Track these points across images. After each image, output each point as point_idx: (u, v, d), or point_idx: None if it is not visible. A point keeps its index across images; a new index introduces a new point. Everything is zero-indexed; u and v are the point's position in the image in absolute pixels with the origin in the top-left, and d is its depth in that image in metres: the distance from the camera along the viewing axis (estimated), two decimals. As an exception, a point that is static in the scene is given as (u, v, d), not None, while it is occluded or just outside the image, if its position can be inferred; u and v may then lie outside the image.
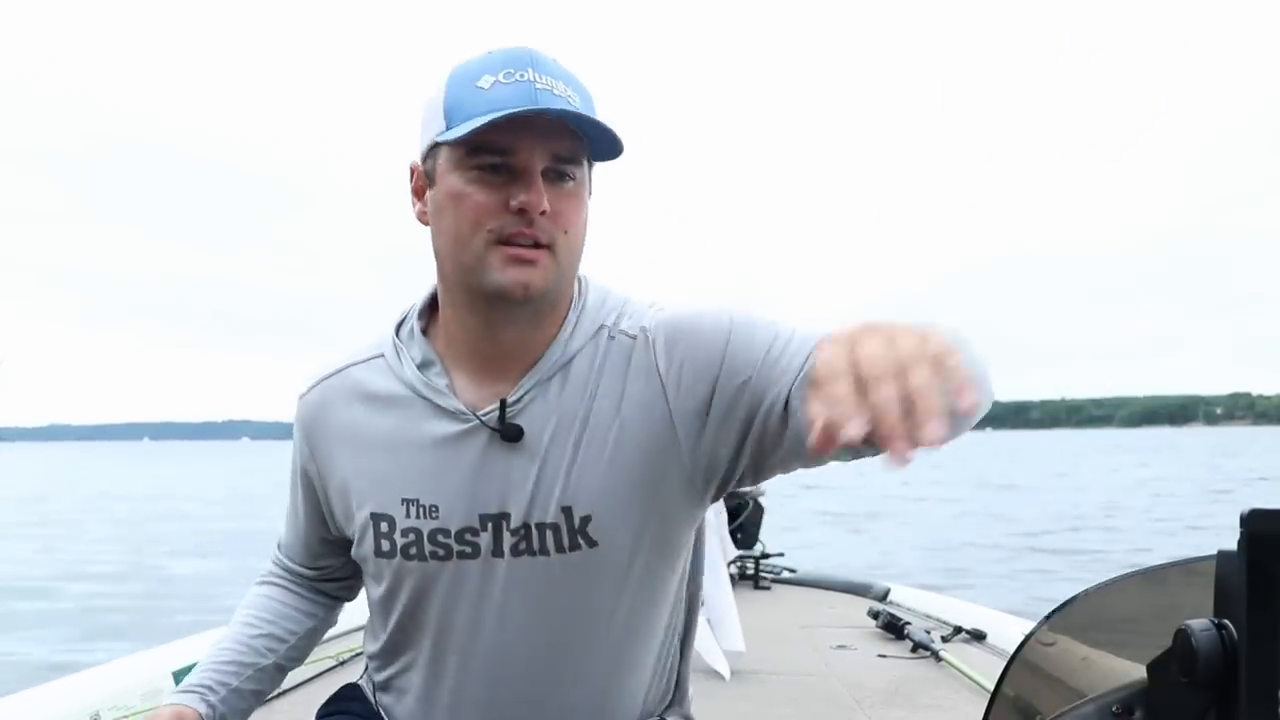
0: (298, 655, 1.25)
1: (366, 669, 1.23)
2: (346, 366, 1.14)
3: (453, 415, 1.05)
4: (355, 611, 1.32)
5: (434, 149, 1.01)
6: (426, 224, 1.05)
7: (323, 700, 1.24)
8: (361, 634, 1.27)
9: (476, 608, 1.05)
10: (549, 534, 1.03)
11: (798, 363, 0.97)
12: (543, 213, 0.96)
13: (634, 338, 1.05)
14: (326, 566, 1.24)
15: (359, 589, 1.27)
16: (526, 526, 1.03)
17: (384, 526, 1.07)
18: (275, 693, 2.79)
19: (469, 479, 1.04)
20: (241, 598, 1.28)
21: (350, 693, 1.22)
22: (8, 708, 2.30)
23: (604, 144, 1.00)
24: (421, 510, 1.05)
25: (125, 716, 2.49)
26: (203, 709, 1.11)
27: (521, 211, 0.96)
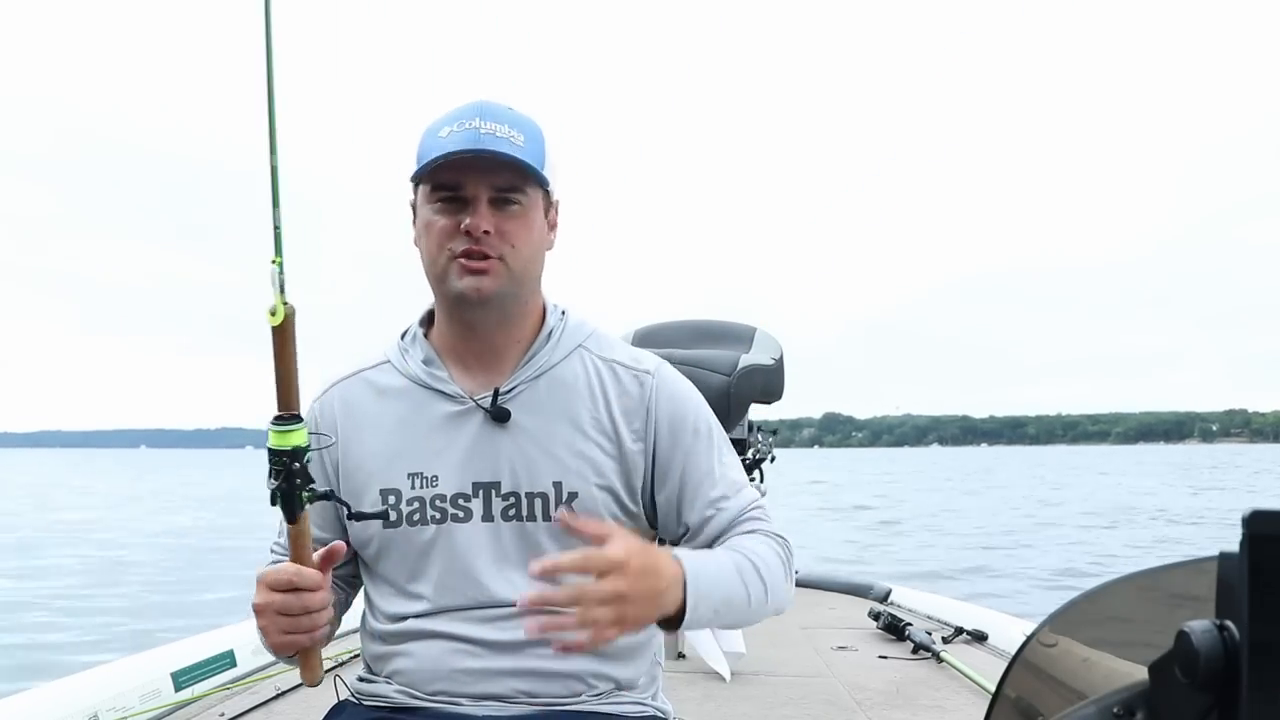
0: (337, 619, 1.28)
1: (361, 653, 1.28)
2: (358, 372, 1.30)
3: (451, 398, 1.23)
4: (350, 616, 1.32)
5: (415, 187, 1.22)
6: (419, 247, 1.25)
7: (320, 701, 1.26)
8: (355, 638, 1.28)
9: (469, 565, 1.19)
10: (538, 502, 1.20)
11: (699, 505, 1.23)
12: (486, 232, 1.16)
13: (637, 375, 1.25)
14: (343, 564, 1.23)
15: (359, 587, 1.33)
16: (516, 495, 1.20)
17: (392, 499, 1.22)
18: (274, 694, 2.80)
19: (464, 452, 1.21)
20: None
21: (342, 709, 1.24)
22: (8, 708, 2.30)
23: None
24: (424, 480, 1.21)
25: (125, 717, 2.49)
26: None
27: (468, 233, 1.16)
